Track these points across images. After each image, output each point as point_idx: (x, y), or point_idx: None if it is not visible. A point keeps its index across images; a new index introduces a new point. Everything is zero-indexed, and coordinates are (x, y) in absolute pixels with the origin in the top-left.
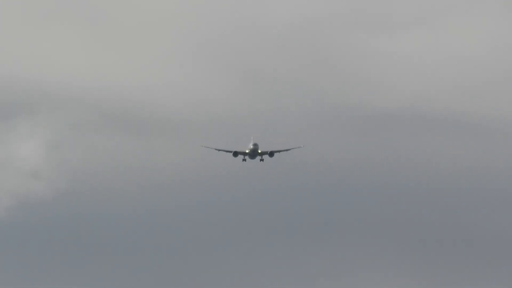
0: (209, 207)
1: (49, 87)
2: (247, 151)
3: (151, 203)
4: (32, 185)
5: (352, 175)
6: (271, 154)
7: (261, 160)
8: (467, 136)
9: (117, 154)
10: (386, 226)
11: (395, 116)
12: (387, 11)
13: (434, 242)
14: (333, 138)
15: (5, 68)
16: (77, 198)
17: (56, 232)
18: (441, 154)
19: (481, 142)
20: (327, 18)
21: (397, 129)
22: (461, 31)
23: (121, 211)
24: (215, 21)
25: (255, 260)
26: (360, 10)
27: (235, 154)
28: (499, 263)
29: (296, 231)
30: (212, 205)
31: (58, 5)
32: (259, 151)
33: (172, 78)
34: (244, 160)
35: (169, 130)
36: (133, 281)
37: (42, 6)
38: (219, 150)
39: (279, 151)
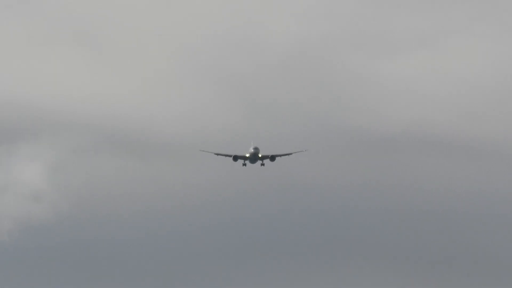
0: (209, 215)
1: (51, 111)
2: (247, 155)
3: (152, 225)
4: (34, 208)
5: (353, 197)
6: (272, 158)
7: (262, 164)
8: (469, 159)
9: (118, 177)
10: (383, 246)
11: (396, 139)
12: (388, 34)
13: (427, 262)
14: (333, 161)
15: (7, 91)
16: (79, 221)
17: (58, 255)
18: (443, 177)
19: (483, 165)
20: (327, 40)
21: (397, 152)
22: (462, 54)
23: (123, 234)
24: (216, 45)
25: (255, 268)
26: (361, 33)
27: (235, 158)
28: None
29: (297, 239)
30: (212, 212)
31: (61, 30)
32: (260, 155)
33: (173, 102)
34: (244, 164)
35: (170, 154)
36: None
37: (46, 31)
38: (218, 154)
39: (280, 155)
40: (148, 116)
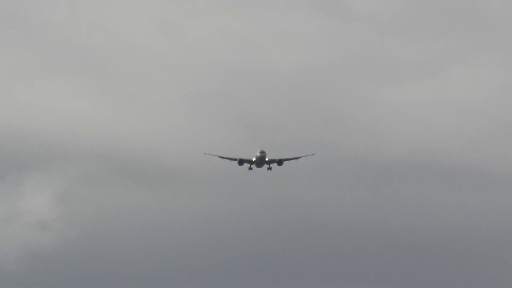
0: (215, 222)
1: (59, 140)
2: (253, 159)
3: (161, 254)
4: (41, 237)
5: (354, 221)
6: (279, 162)
7: (269, 168)
8: (473, 188)
9: (126, 205)
10: (387, 270)
11: (400, 166)
12: (393, 62)
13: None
14: (339, 187)
15: (14, 121)
16: (86, 250)
17: (65, 284)
18: (448, 203)
19: (488, 193)
20: (333, 67)
21: (401, 179)
22: (466, 83)
23: (131, 262)
24: (221, 71)
25: (261, 276)
26: (366, 60)
27: (241, 162)
28: None
29: (306, 248)
30: (217, 220)
31: (68, 60)
32: (267, 159)
33: (181, 128)
34: (250, 168)
35: (179, 181)
36: None
37: (53, 61)
38: (223, 158)
39: (288, 159)
40: (155, 144)
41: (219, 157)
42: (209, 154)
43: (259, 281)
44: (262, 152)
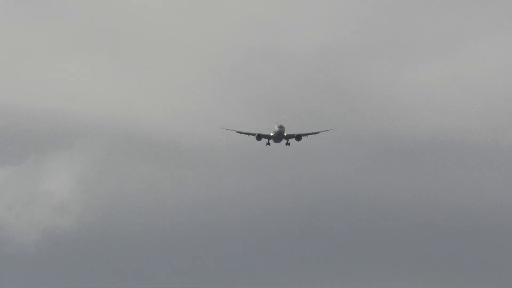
0: (233, 200)
1: (77, 120)
2: (271, 134)
3: (181, 232)
4: (60, 219)
5: (373, 201)
6: (298, 137)
7: (287, 144)
8: (492, 167)
9: (142, 182)
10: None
11: (418, 147)
12: (411, 42)
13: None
14: (356, 164)
15: (31, 100)
16: (106, 231)
17: (84, 266)
18: (462, 185)
19: (507, 172)
20: (349, 48)
21: (419, 159)
22: (484, 61)
23: (151, 242)
24: (239, 48)
25: (281, 254)
26: (383, 40)
27: (259, 137)
28: None
29: (325, 224)
30: (234, 196)
31: (86, 38)
32: (285, 134)
33: (199, 105)
34: (268, 144)
35: (197, 157)
36: None
37: (70, 40)
38: (240, 132)
39: (307, 134)
40: (173, 122)
41: (237, 132)
42: (227, 129)
43: (278, 259)
44: (281, 127)
